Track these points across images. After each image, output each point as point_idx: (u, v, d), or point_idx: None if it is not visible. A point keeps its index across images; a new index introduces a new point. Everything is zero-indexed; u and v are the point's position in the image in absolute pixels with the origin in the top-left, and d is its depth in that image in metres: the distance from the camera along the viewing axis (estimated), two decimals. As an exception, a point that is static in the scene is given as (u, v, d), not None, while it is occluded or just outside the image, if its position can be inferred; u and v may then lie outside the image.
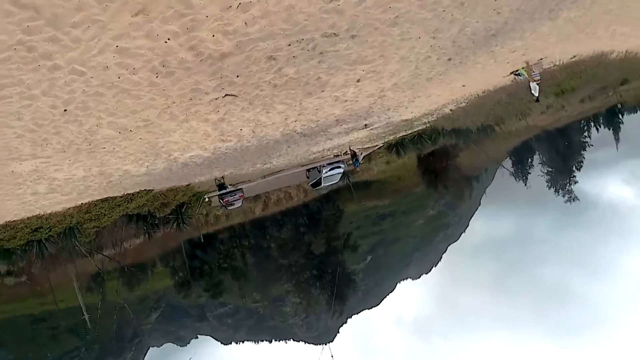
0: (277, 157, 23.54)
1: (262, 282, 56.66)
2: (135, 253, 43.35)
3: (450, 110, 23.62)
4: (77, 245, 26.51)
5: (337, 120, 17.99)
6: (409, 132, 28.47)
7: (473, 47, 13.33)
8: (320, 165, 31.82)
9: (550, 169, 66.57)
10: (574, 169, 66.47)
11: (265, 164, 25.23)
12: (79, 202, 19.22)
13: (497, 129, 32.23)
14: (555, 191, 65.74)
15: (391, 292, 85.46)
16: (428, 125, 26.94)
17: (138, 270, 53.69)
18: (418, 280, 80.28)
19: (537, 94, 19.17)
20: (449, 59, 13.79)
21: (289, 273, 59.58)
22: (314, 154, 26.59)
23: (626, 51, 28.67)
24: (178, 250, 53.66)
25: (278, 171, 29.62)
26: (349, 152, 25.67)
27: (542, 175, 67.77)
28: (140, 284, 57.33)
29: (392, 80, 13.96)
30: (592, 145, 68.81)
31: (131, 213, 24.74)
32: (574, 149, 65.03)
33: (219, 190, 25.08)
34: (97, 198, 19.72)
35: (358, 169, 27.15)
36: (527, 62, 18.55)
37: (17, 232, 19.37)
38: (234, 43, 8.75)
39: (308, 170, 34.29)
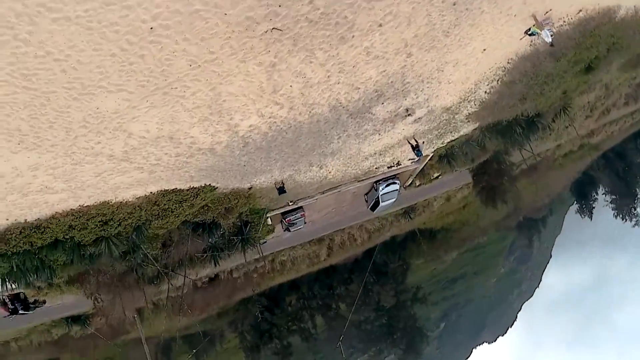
0: (330, 154, 26.59)
1: (332, 340, 57.24)
2: (202, 300, 46.73)
3: (485, 92, 25.93)
4: (144, 261, 30.23)
5: (376, 91, 21.17)
6: (456, 136, 30.78)
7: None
8: (376, 182, 34.59)
9: (614, 197, 65.42)
10: (638, 191, 65.20)
11: (320, 168, 28.32)
12: (149, 189, 22.80)
13: (540, 125, 33.66)
14: (622, 218, 64.10)
15: (467, 358, 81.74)
16: (471, 123, 29.25)
17: (207, 338, 56.80)
18: (494, 343, 77.05)
19: (549, 40, 21.43)
20: (454, 3, 16.93)
21: (360, 329, 59.83)
22: (367, 159, 29.41)
23: (635, 7, 29.19)
24: (244, 304, 56.29)
25: (336, 186, 32.54)
26: (411, 144, 28.27)
27: (607, 205, 66.77)
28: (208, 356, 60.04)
29: (411, 30, 17.18)
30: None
31: (196, 220, 28.17)
32: (635, 171, 63.87)
33: (279, 193, 28.19)
34: (165, 187, 23.38)
35: (421, 157, 29.13)
36: (534, 17, 21.08)
37: (89, 221, 22.89)
38: None
39: (366, 194, 37.11)
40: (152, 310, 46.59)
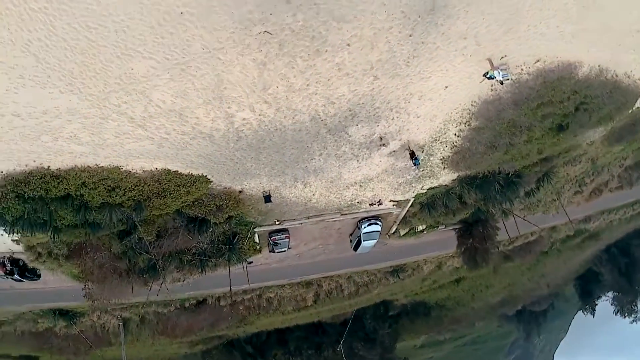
0: (313, 172, 33.14)
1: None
2: (186, 323, 51.65)
3: (455, 135, 32.30)
4: (138, 246, 36.25)
5: (350, 110, 28.23)
6: (435, 183, 37.00)
7: (421, 21, 23.79)
8: (359, 221, 40.74)
9: (616, 293, 68.68)
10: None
11: (305, 186, 34.79)
12: (154, 164, 29.25)
13: (520, 186, 39.01)
14: (622, 315, 66.83)
15: None
16: (448, 171, 35.48)
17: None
18: None
19: (500, 78, 26.66)
20: (410, 35, 24.29)
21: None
22: (348, 188, 35.75)
23: (599, 66, 32.22)
24: (227, 348, 60.32)
25: (320, 214, 38.87)
26: (408, 150, 31.70)
27: (607, 300, 69.79)
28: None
29: (374, 54, 24.50)
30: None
31: (190, 212, 34.54)
32: (638, 267, 67.37)
33: (266, 201, 34.62)
34: (169, 167, 30.15)
35: (419, 166, 32.46)
36: (489, 61, 26.86)
37: (100, 182, 28.69)
38: None
39: (350, 234, 43.13)
40: (137, 324, 51.50)
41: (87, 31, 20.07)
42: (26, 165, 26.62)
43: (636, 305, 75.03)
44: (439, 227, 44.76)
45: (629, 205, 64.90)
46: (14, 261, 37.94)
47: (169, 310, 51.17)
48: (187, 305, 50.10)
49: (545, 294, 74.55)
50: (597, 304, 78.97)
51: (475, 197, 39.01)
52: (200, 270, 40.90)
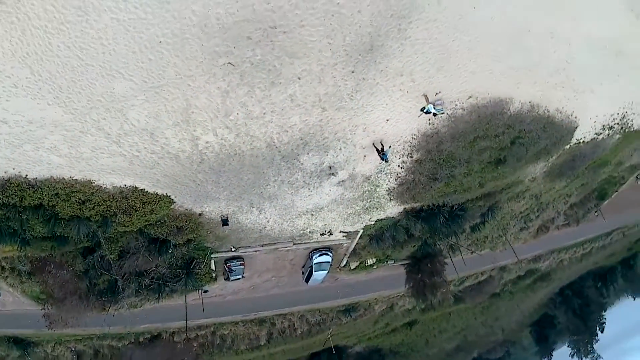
0: (268, 198, 37.58)
1: None
2: (140, 358, 53.49)
3: (399, 166, 36.48)
4: (100, 265, 39.43)
5: (301, 139, 33.22)
6: (382, 215, 41.67)
7: (361, 59, 29.35)
8: (310, 252, 44.94)
9: (573, 336, 72.58)
10: (596, 330, 72.48)
11: (260, 212, 39.08)
12: (124, 181, 32.88)
13: (464, 218, 42.11)
14: (579, 358, 70.69)
15: None
16: (394, 203, 40.09)
17: None
18: None
19: (433, 110, 30.53)
20: (352, 71, 29.72)
21: None
22: (300, 216, 40.20)
23: (530, 102, 35.05)
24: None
25: (274, 243, 43.03)
26: (376, 148, 33.37)
27: (565, 343, 73.42)
28: None
29: (322, 87, 29.83)
30: (612, 303, 75.99)
31: (152, 232, 38.19)
32: (594, 308, 71.53)
33: (223, 224, 38.64)
34: (137, 184, 33.68)
35: (387, 161, 34.16)
36: (425, 96, 31.31)
37: (72, 194, 31.83)
38: (232, 20, 25.77)
39: (302, 267, 47.13)
40: (91, 358, 52.99)
41: (79, 51, 24.59)
42: (5, 172, 29.92)
43: (592, 347, 79.17)
44: (389, 262, 48.84)
45: (579, 245, 69.41)
46: None
47: (123, 345, 52.96)
48: (141, 339, 52.09)
49: (501, 340, 77.94)
50: (554, 349, 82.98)
51: (422, 229, 43.27)
52: (157, 296, 43.57)
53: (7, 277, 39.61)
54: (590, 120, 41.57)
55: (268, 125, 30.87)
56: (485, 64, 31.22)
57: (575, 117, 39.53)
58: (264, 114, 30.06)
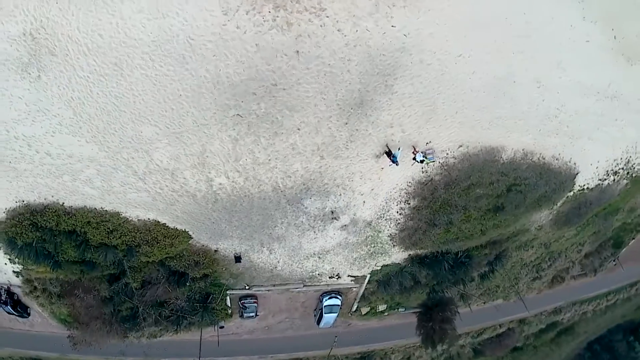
0: (277, 239, 42.43)
1: None
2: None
3: (398, 212, 40.23)
4: (124, 292, 44.81)
5: (304, 184, 38.33)
6: (388, 261, 44.99)
7: (353, 112, 34.11)
8: (321, 295, 48.98)
9: None
10: None
11: (270, 252, 43.88)
12: (148, 215, 38.80)
13: (470, 266, 43.64)
14: None
15: None
16: (398, 249, 43.08)
17: None
18: None
19: (420, 158, 33.44)
20: (346, 123, 34.63)
21: None
22: (308, 258, 44.66)
23: (524, 150, 36.44)
24: None
25: (285, 283, 47.46)
26: (385, 151, 34.48)
27: None
28: None
29: (319, 138, 35.04)
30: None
31: (172, 265, 43.49)
32: None
33: (236, 261, 43.58)
34: (159, 219, 39.81)
35: (398, 164, 34.36)
36: (413, 147, 33.26)
37: (102, 223, 37.36)
38: (240, 79, 31.70)
39: (314, 310, 51.05)
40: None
41: (114, 98, 30.86)
42: (45, 199, 36.10)
43: None
44: (400, 310, 51.74)
45: (602, 296, 67.85)
46: (9, 293, 45.84)
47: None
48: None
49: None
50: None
51: (427, 276, 45.95)
52: (175, 327, 48.30)
53: (38, 296, 45.16)
54: (591, 166, 42.03)
55: (273, 170, 35.99)
56: (472, 115, 33.86)
57: (574, 164, 40.35)
58: (269, 160, 35.26)
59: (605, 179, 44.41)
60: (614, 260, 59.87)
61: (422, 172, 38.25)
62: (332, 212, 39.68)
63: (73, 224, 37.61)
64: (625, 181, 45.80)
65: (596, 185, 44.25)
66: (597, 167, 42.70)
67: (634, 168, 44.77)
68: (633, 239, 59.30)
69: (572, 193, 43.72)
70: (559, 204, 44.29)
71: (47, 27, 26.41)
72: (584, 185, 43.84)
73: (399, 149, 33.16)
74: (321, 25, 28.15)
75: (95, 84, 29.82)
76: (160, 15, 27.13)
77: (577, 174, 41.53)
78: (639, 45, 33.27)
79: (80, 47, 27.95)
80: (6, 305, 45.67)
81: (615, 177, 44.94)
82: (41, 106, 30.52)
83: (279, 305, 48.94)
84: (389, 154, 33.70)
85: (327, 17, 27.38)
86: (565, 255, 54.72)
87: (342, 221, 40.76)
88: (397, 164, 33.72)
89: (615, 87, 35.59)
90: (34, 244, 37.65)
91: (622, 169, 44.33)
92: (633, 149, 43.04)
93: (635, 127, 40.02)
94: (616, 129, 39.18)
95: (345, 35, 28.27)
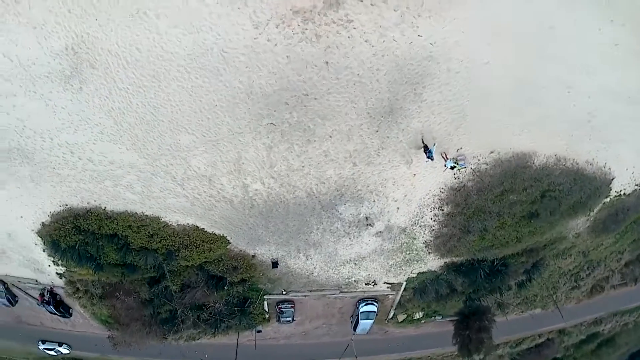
0: (312, 245, 43.26)
1: None
2: None
3: (432, 219, 40.27)
4: (164, 294, 46.41)
5: (337, 190, 38.99)
6: (424, 268, 45.28)
7: (384, 120, 34.54)
8: (357, 302, 49.50)
9: None
10: None
11: (307, 258, 44.71)
12: (187, 220, 40.39)
13: (507, 274, 43.23)
14: None
15: None
16: (433, 256, 43.30)
17: None
18: None
19: (450, 164, 33.62)
20: (377, 130, 35.08)
21: None
22: (344, 265, 45.30)
23: (556, 155, 35.91)
24: None
25: (322, 289, 48.24)
26: (423, 144, 34.10)
27: None
28: None
29: (351, 145, 35.64)
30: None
31: (210, 269, 44.84)
32: None
33: (273, 266, 44.55)
34: (197, 223, 41.19)
35: (433, 159, 33.91)
36: (443, 154, 33.57)
37: (143, 227, 39.03)
38: (272, 89, 32.57)
39: (350, 316, 51.59)
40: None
41: (152, 108, 32.38)
42: (87, 203, 38.02)
43: None
44: (437, 317, 51.78)
45: None
46: (53, 294, 48.22)
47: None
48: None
49: None
50: None
51: (463, 283, 46.02)
52: (213, 330, 49.84)
53: (80, 297, 47.37)
54: (627, 171, 41.20)
55: (307, 176, 36.86)
56: (502, 120, 33.89)
57: (609, 169, 39.62)
58: (303, 167, 36.14)
59: (643, 184, 42.11)
60: None
61: (455, 179, 38.42)
62: (367, 219, 40.14)
63: (115, 228, 39.36)
64: (664, 185, 42.78)
65: (633, 191, 43.20)
66: (633, 172, 41.68)
67: (674, 171, 41.54)
68: (676, 246, 57.47)
69: (608, 199, 42.84)
70: (595, 210, 43.44)
71: (88, 42, 27.90)
72: (621, 190, 42.83)
73: (434, 144, 32.97)
74: (349, 37, 28.96)
75: (134, 95, 31.36)
76: (194, 30, 28.39)
77: (612, 179, 40.62)
78: (671, 46, 30.68)
79: (119, 61, 29.55)
80: (49, 305, 47.96)
81: (654, 181, 42.09)
82: (83, 116, 32.34)
83: (315, 310, 49.66)
84: (425, 148, 33.47)
85: (354, 28, 28.02)
86: (605, 264, 53.65)
87: (377, 227, 41.17)
88: (432, 159, 33.35)
89: (648, 90, 33.47)
90: (76, 247, 39.70)
91: (660, 173, 41.34)
92: (673, 152, 40.04)
93: (674, 129, 37.24)
94: (653, 131, 36.84)
95: (372, 46, 28.89)
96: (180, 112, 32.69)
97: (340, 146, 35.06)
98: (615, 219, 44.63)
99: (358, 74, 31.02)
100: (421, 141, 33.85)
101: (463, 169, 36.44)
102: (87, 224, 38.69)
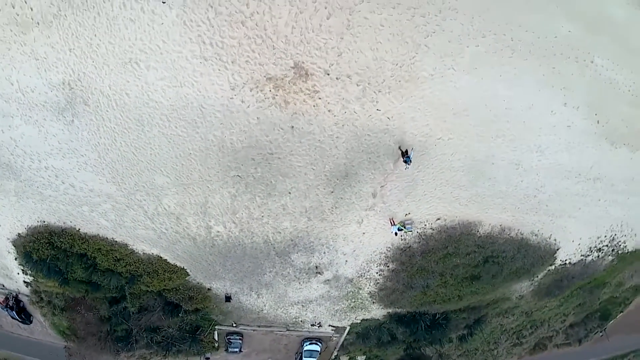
0: (265, 285, 46.39)
1: None
2: None
3: (377, 273, 42.34)
4: (122, 314, 48.93)
5: (292, 240, 42.51)
6: (368, 315, 47.19)
7: (339, 183, 38.04)
8: (302, 341, 52.32)
9: None
10: None
11: (258, 296, 47.74)
12: (152, 250, 42.93)
13: (446, 327, 44.99)
14: None
15: None
16: (377, 306, 45.27)
17: None
18: None
19: (394, 231, 36.61)
20: (332, 191, 38.62)
21: None
22: (293, 306, 48.25)
23: (501, 225, 37.33)
24: None
25: (270, 325, 51.07)
26: (401, 150, 33.03)
27: None
28: None
29: (307, 202, 39.27)
30: None
31: (168, 296, 47.61)
32: None
33: (226, 300, 47.42)
34: (162, 255, 44.10)
35: (410, 164, 32.38)
36: (391, 219, 36.13)
37: (111, 251, 41.41)
38: (241, 146, 36.23)
39: (295, 353, 54.34)
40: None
41: (134, 149, 35.27)
42: (64, 223, 40.37)
43: None
44: (377, 364, 54.34)
45: None
46: (17, 300, 49.77)
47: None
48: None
49: None
50: None
51: (404, 333, 48.28)
52: (165, 353, 51.98)
53: (43, 307, 48.93)
54: (573, 242, 42.57)
55: (265, 225, 40.13)
56: (451, 192, 36.00)
57: (555, 240, 41.29)
58: (262, 216, 39.40)
59: (588, 255, 44.61)
60: (601, 332, 58.58)
61: (401, 240, 41.10)
62: (317, 267, 43.36)
63: (85, 249, 41.76)
64: (610, 257, 45.61)
65: (579, 261, 44.44)
66: (579, 244, 42.96)
67: (619, 245, 44.61)
68: (621, 312, 58.03)
69: (553, 267, 44.20)
70: (540, 276, 44.74)
71: (84, 81, 30.13)
72: (566, 260, 44.15)
73: (412, 148, 32.35)
74: (314, 106, 31.90)
75: (119, 134, 34.21)
76: (178, 83, 30.79)
77: (557, 249, 42.17)
78: (623, 128, 34.11)
79: (110, 102, 31.93)
80: (12, 310, 49.37)
81: (600, 253, 44.96)
82: (71, 146, 34.96)
83: (262, 344, 52.07)
84: (404, 154, 32.35)
85: (320, 98, 30.67)
86: (549, 324, 54.18)
87: (326, 276, 44.31)
88: (409, 164, 31.94)
89: (598, 169, 36.50)
90: (47, 261, 41.84)
91: (607, 246, 44.37)
92: (618, 227, 42.97)
93: (620, 207, 40.23)
94: (599, 208, 39.69)
95: (335, 115, 31.53)
96: (158, 156, 35.56)
97: (298, 202, 38.25)
98: (560, 284, 45.50)
99: (319, 140, 34.20)
100: (398, 148, 33.27)
101: (409, 232, 38.97)
102: (61, 241, 40.96)
